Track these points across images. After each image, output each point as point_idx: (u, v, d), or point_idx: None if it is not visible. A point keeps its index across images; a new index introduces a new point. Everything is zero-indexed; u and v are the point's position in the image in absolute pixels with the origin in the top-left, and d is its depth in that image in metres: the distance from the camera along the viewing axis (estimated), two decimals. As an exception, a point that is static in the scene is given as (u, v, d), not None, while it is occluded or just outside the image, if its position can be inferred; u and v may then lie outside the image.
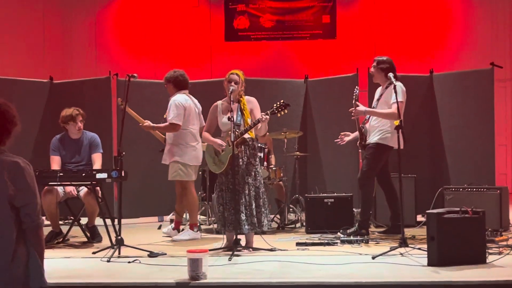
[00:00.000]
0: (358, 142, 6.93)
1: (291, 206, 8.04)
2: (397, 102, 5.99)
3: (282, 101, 6.04)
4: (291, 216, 8.13)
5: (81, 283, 4.49)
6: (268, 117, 5.88)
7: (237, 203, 5.82)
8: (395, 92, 6.09)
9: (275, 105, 6.00)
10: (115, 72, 8.39)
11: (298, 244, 6.13)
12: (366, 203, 6.79)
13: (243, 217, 5.83)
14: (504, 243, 5.87)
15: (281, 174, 7.80)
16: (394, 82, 6.10)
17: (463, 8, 14.15)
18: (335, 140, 7.15)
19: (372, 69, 6.90)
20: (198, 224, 7.11)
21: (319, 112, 9.07)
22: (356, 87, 6.96)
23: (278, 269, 4.90)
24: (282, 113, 6.02)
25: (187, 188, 7.02)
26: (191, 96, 7.28)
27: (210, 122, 6.25)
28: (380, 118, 6.67)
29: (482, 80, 8.29)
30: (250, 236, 6.01)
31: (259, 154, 7.27)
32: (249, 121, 6.00)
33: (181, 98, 6.96)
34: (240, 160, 5.93)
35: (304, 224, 7.52)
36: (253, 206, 5.91)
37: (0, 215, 3.13)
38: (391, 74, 6.24)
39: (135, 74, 6.29)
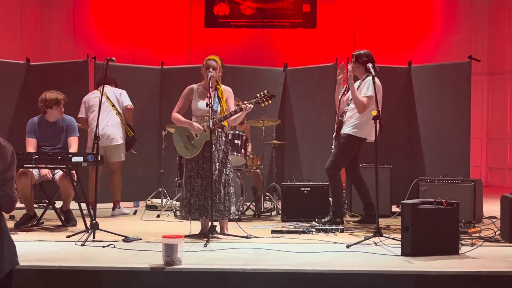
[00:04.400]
0: (334, 134, 6.95)
1: (267, 194, 8.06)
2: (375, 95, 6.06)
3: (266, 91, 6.02)
4: (267, 204, 8.15)
5: (55, 266, 4.46)
6: (252, 106, 5.86)
7: (207, 189, 5.81)
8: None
9: (258, 94, 5.98)
10: (93, 55, 8.37)
11: (273, 232, 6.14)
12: (337, 192, 6.82)
13: (208, 204, 5.81)
14: (477, 234, 5.93)
15: (258, 162, 7.80)
16: (373, 72, 6.13)
17: (443, 2, 14.24)
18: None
19: (351, 65, 6.92)
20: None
21: (298, 100, 9.08)
22: (346, 86, 6.93)
23: (253, 256, 4.91)
24: (266, 103, 6.01)
25: None
26: (106, 89, 7.66)
27: (182, 104, 6.13)
28: (355, 111, 6.70)
29: (460, 73, 8.36)
30: (224, 223, 6.00)
31: (236, 141, 7.29)
32: (224, 109, 5.97)
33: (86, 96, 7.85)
34: (214, 146, 5.90)
35: (280, 212, 7.55)
36: (222, 193, 5.88)
37: None
38: (370, 65, 6.27)
39: (113, 58, 6.24)
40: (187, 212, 5.96)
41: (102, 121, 7.55)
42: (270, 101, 6.01)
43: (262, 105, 6.01)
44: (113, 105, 7.80)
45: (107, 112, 7.72)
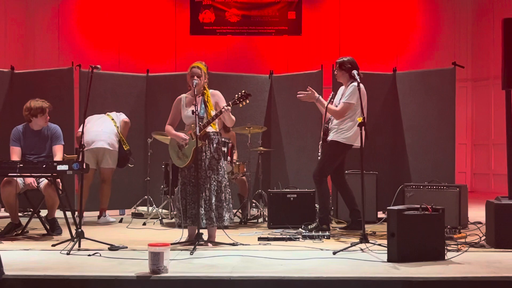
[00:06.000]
0: (320, 142, 6.98)
1: (253, 201, 8.06)
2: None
3: (243, 91, 6.03)
4: (254, 211, 8.15)
5: (40, 276, 4.43)
6: (230, 107, 5.87)
7: (198, 197, 5.80)
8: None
9: (236, 95, 6.00)
10: (78, 63, 8.34)
11: (260, 239, 6.14)
12: (324, 198, 6.84)
13: (202, 211, 5.81)
14: (462, 240, 5.97)
15: (244, 169, 7.81)
16: (358, 79, 6.17)
17: (427, 9, 14.34)
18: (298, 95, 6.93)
19: (335, 71, 6.98)
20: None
21: (283, 107, 9.09)
22: (332, 93, 7.02)
23: (240, 263, 4.90)
24: (244, 103, 6.01)
25: None
26: (107, 114, 8.23)
27: (173, 115, 6.18)
28: (342, 118, 6.74)
29: (444, 79, 8.40)
30: (212, 231, 5.99)
31: (223, 148, 7.28)
32: (212, 113, 5.97)
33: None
34: (203, 154, 5.90)
35: (266, 219, 7.54)
36: (213, 201, 5.87)
37: None
38: (355, 72, 6.31)
39: (99, 66, 6.22)
40: (183, 219, 5.96)
41: (99, 126, 7.89)
42: (247, 101, 6.02)
43: (240, 105, 6.00)
44: (112, 119, 8.09)
45: (105, 120, 8.03)
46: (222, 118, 5.93)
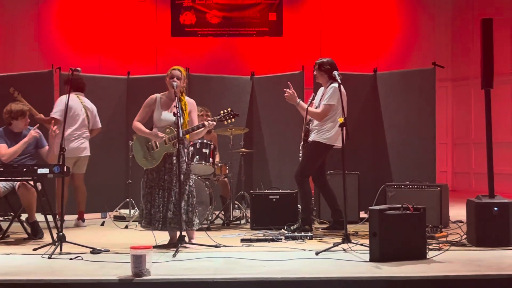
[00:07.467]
0: (301, 143, 6.99)
1: (236, 202, 8.06)
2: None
3: (229, 109, 6.07)
4: (236, 213, 8.15)
5: (21, 280, 4.40)
6: (214, 123, 5.91)
7: (169, 201, 5.80)
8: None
9: (222, 112, 6.04)
10: (58, 65, 8.29)
11: (243, 240, 6.14)
12: (306, 199, 6.86)
13: (170, 215, 5.80)
14: (444, 239, 6.01)
15: (227, 171, 7.80)
16: (339, 80, 6.19)
17: (407, 10, 14.42)
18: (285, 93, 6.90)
19: (314, 72, 7.00)
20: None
21: (265, 109, 9.10)
22: (313, 94, 7.04)
23: (223, 265, 4.90)
24: (230, 121, 6.06)
25: None
26: (83, 98, 8.00)
27: (144, 113, 6.10)
28: (323, 119, 6.77)
29: (424, 79, 8.46)
30: (191, 233, 5.98)
31: (204, 150, 7.29)
32: (187, 121, 5.96)
33: (65, 97, 7.48)
34: (175, 158, 5.88)
35: (249, 220, 7.55)
36: (183, 205, 5.84)
37: None
38: (335, 73, 6.32)
39: (79, 68, 6.18)
40: (147, 223, 5.94)
41: (77, 130, 7.82)
42: (233, 119, 6.08)
43: (225, 122, 6.09)
44: (88, 122, 8.00)
45: (83, 126, 7.91)
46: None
